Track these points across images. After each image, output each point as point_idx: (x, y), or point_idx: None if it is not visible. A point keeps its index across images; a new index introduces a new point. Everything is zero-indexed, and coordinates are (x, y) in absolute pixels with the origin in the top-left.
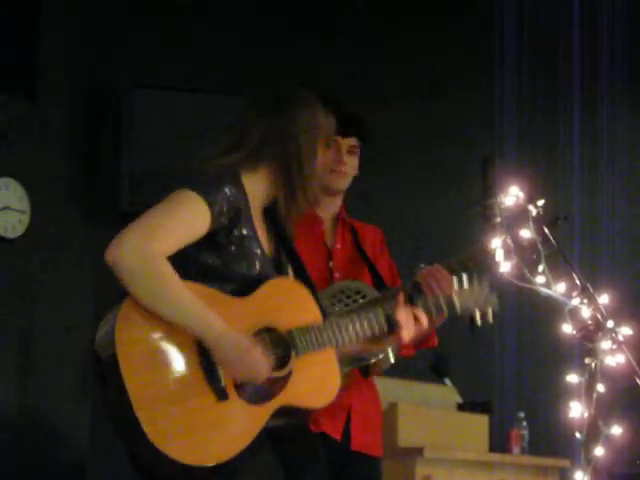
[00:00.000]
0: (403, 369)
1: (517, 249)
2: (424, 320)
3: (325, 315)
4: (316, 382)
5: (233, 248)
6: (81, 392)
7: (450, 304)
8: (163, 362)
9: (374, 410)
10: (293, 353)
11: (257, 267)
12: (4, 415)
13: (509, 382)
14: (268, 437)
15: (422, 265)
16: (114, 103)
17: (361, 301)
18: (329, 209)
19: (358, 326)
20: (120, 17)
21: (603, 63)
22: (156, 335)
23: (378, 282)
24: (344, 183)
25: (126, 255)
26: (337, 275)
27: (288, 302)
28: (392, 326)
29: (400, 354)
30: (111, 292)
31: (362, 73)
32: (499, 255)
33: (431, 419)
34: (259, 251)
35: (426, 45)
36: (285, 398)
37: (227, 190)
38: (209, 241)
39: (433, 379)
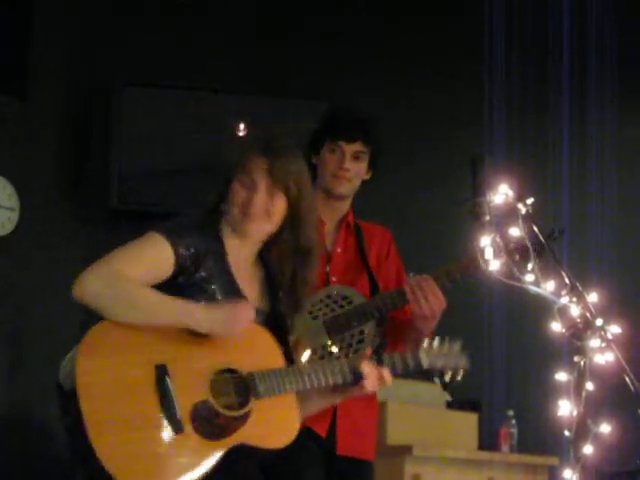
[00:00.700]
0: None
1: (506, 247)
2: (388, 379)
3: (291, 361)
4: (274, 424)
5: (193, 290)
6: None
7: (417, 362)
8: (123, 391)
9: (366, 414)
10: (252, 395)
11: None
12: None
13: (498, 380)
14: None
15: (411, 274)
16: (104, 102)
17: (347, 307)
18: (333, 213)
19: (321, 374)
20: (109, 16)
21: (592, 63)
22: (116, 364)
23: (374, 289)
24: (347, 188)
25: (90, 282)
26: (334, 279)
27: (251, 345)
28: (357, 378)
29: None
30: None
31: (361, 73)
32: (488, 253)
33: (420, 417)
34: (225, 295)
35: (421, 45)
36: (241, 437)
37: (195, 237)
38: (172, 284)
39: (422, 377)
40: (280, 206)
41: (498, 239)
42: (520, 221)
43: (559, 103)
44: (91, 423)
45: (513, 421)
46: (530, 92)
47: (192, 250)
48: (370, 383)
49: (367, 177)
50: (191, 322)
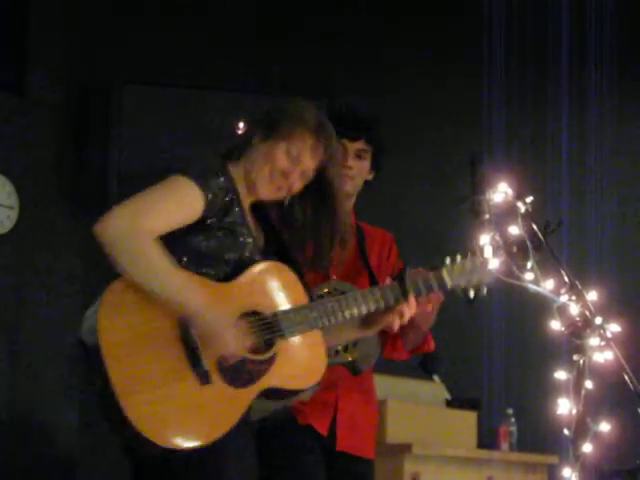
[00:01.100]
0: (391, 365)
1: (505, 246)
2: (412, 309)
3: (312, 297)
4: (302, 364)
5: (222, 234)
6: (69, 388)
7: (441, 282)
8: (146, 348)
9: (366, 411)
10: (278, 336)
11: (246, 255)
12: None
13: (497, 379)
14: (252, 436)
15: (407, 269)
16: (104, 100)
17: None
18: None
19: (345, 306)
20: (109, 15)
21: (592, 61)
22: (139, 321)
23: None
24: (350, 186)
25: (113, 226)
26: (334, 278)
27: (274, 284)
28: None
29: (394, 358)
30: (101, 288)
31: (361, 72)
32: (487, 252)
33: (419, 416)
34: (250, 240)
35: (420, 45)
36: (269, 381)
37: (220, 179)
38: (200, 224)
39: (421, 375)
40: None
41: (497, 237)
42: (519, 219)
43: (558, 101)
44: (117, 385)
45: (512, 419)
46: (529, 90)
47: (221, 194)
48: (406, 311)
49: (370, 177)
50: (188, 311)
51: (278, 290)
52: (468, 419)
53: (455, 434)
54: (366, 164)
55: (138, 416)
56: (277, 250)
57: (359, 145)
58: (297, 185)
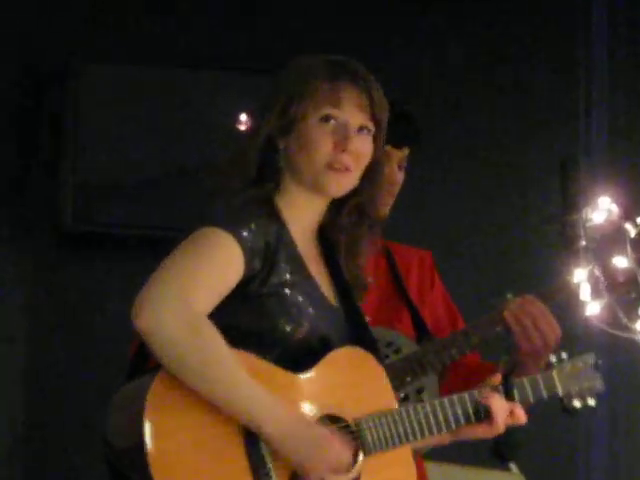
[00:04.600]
0: (457, 451)
1: (609, 284)
2: (521, 416)
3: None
4: None
5: (272, 302)
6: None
7: (551, 389)
8: (204, 458)
9: None
10: (361, 450)
11: (305, 326)
12: None
13: (598, 471)
14: None
15: (509, 296)
16: (56, 88)
17: (393, 357)
18: None
19: (441, 416)
20: None
21: None
22: (194, 422)
23: (420, 329)
24: (390, 205)
25: (168, 323)
26: (368, 319)
27: (356, 381)
28: (482, 417)
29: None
30: (46, 318)
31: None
32: (584, 292)
33: None
34: (310, 302)
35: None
36: None
37: (261, 223)
38: (239, 295)
39: (495, 464)
40: (369, 153)
41: (598, 272)
42: (628, 247)
43: None
44: None
45: None
46: (638, 75)
47: (261, 242)
48: (500, 422)
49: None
50: (264, 432)
51: (361, 388)
52: None
53: None
54: (403, 175)
55: None
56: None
57: (404, 153)
58: (359, 146)
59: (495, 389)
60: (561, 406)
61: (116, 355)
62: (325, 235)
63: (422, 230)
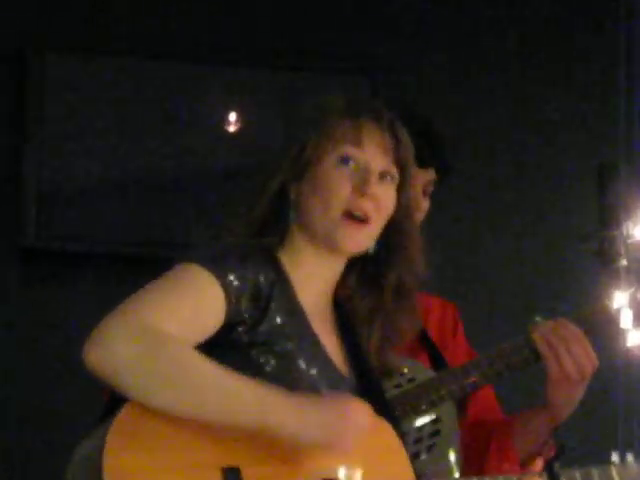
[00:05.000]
0: None
1: None
2: None
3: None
4: None
5: (259, 353)
6: None
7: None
8: None
9: None
10: None
11: (302, 386)
12: None
13: None
14: None
15: (537, 319)
16: (15, 80)
17: (407, 385)
18: None
19: None
20: None
21: None
22: (163, 467)
23: (439, 367)
24: None
25: (118, 346)
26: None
27: (370, 454)
28: None
29: (502, 472)
30: (6, 338)
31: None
32: (625, 319)
33: None
34: (310, 361)
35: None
36: None
37: (250, 267)
38: (225, 343)
39: None
40: (392, 204)
41: None
42: None
43: None
44: None
45: None
46: None
47: (251, 286)
48: None
49: None
50: (272, 423)
51: (376, 462)
52: None
53: None
54: (428, 203)
55: None
56: (357, 376)
57: (429, 175)
58: (380, 193)
59: (538, 476)
60: None
61: (80, 378)
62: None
63: (450, 250)
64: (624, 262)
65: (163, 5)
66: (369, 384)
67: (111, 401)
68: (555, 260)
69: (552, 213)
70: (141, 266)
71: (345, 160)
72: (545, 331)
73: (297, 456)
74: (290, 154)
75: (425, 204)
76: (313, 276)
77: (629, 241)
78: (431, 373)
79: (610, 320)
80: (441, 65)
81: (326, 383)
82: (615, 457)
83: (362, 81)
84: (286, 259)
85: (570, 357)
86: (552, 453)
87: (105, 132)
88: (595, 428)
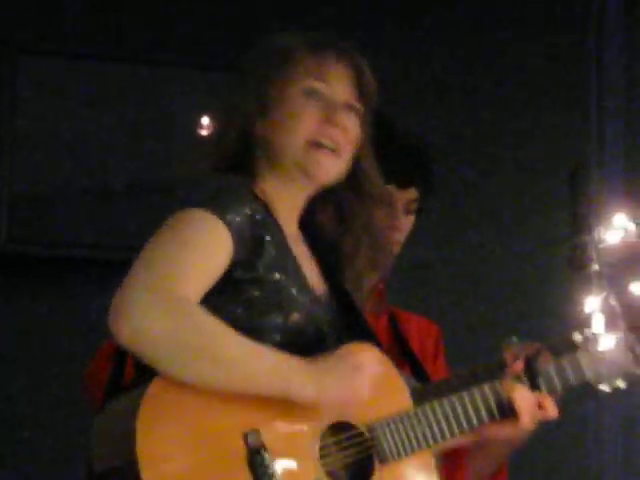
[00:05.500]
0: None
1: (627, 314)
2: (551, 409)
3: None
4: None
5: (258, 289)
6: None
7: (579, 372)
8: (203, 478)
9: None
10: (377, 461)
11: (295, 316)
12: None
13: None
14: None
15: (514, 339)
16: None
17: None
18: None
19: (461, 414)
20: None
21: None
22: (190, 439)
23: (423, 381)
24: (394, 257)
25: (153, 321)
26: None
27: (372, 387)
28: (506, 412)
29: None
30: None
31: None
32: (597, 324)
33: None
34: (299, 290)
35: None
36: None
37: (247, 206)
38: (223, 283)
39: None
40: (359, 136)
41: (613, 301)
42: None
43: None
44: None
45: None
46: None
47: (248, 225)
48: (527, 417)
49: None
50: (293, 389)
51: (373, 390)
52: None
53: None
54: (412, 220)
55: None
56: (330, 292)
57: (411, 195)
58: (349, 124)
59: (518, 379)
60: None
61: (57, 384)
62: (309, 231)
63: (422, 258)
64: (596, 267)
65: (135, 8)
66: (348, 307)
67: (114, 371)
68: (528, 265)
69: (524, 219)
70: (114, 270)
71: (310, 92)
72: (517, 352)
73: (312, 409)
74: (249, 90)
75: (406, 222)
76: (288, 207)
77: (601, 246)
78: (413, 382)
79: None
80: (412, 72)
81: (313, 309)
82: (577, 336)
83: None
84: (263, 193)
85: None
86: (533, 352)
87: (77, 135)
88: (565, 429)
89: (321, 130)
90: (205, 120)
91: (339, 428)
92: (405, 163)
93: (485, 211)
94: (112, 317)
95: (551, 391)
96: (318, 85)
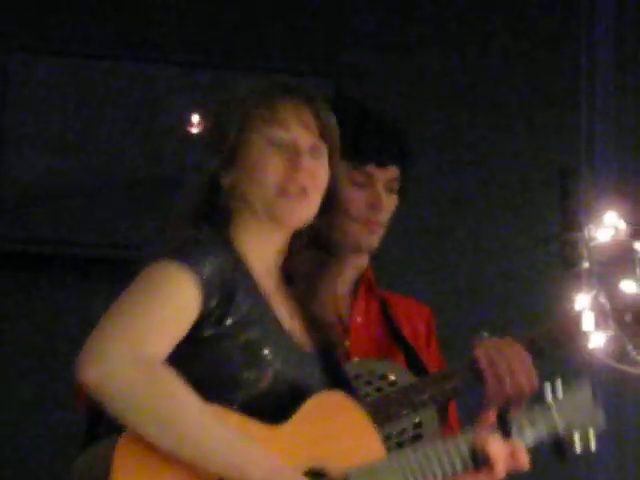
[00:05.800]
0: None
1: (616, 312)
2: (523, 458)
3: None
4: None
5: (229, 344)
6: None
7: (550, 423)
8: None
9: None
10: None
11: (269, 372)
12: None
13: None
14: None
15: (485, 334)
16: None
17: (388, 389)
18: (348, 270)
19: (436, 464)
20: None
21: None
22: None
23: (416, 368)
24: (378, 237)
25: (117, 372)
26: (356, 359)
27: (339, 429)
28: (480, 462)
29: None
30: None
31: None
32: (587, 322)
33: None
34: (273, 344)
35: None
36: None
37: (216, 256)
38: (192, 338)
39: None
40: (325, 177)
41: (602, 299)
42: (638, 270)
43: None
44: None
45: None
46: None
47: (219, 277)
48: (501, 467)
49: None
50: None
51: (345, 436)
52: None
53: None
54: (395, 201)
55: None
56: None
57: (391, 174)
58: (314, 168)
59: (491, 428)
60: (555, 448)
61: (41, 390)
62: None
63: (412, 254)
64: (586, 265)
65: (127, 6)
66: (329, 357)
67: (93, 415)
68: (518, 263)
69: (515, 217)
70: (105, 269)
71: (272, 142)
72: (488, 349)
73: (288, 454)
74: (213, 144)
75: (389, 201)
76: (263, 254)
77: (591, 244)
78: (410, 376)
79: (562, 333)
80: (403, 70)
81: (288, 362)
82: (547, 387)
83: (326, 83)
84: (237, 240)
85: (511, 377)
86: (505, 405)
87: (67, 133)
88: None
89: (287, 177)
90: (195, 118)
91: (314, 475)
92: (382, 141)
93: (476, 208)
94: (83, 358)
95: (523, 441)
96: (279, 133)
